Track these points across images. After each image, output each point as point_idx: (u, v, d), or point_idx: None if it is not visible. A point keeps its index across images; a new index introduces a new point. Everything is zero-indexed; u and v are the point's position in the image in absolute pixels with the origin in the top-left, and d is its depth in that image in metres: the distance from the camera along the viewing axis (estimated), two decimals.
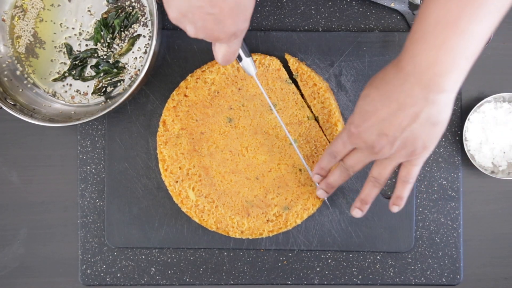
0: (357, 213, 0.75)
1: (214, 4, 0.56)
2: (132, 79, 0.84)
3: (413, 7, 0.85)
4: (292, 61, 0.83)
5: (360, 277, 0.86)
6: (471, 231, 0.87)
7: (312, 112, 0.83)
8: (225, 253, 0.86)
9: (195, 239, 0.85)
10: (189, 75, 0.83)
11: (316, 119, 0.83)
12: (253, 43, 0.85)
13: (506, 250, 0.88)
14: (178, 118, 0.82)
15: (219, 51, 0.65)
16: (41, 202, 0.88)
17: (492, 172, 0.85)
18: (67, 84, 0.85)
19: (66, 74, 0.85)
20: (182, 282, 0.86)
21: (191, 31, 0.60)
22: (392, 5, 0.85)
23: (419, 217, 0.86)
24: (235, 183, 0.82)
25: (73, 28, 0.84)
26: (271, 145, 0.82)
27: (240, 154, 0.82)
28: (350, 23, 0.86)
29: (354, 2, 0.86)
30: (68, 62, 0.85)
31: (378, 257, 0.86)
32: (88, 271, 0.86)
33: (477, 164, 0.84)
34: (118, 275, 0.86)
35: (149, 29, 0.84)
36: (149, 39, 0.84)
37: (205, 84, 0.83)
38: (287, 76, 0.83)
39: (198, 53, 0.85)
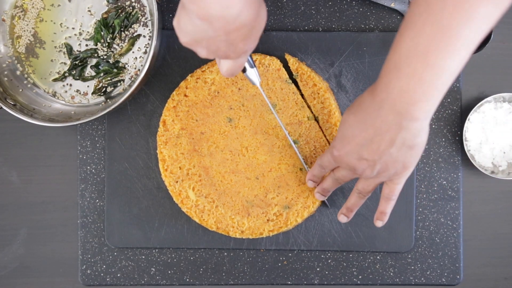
0: (343, 218, 0.79)
1: (228, 33, 0.57)
2: (132, 79, 0.84)
3: None
4: (292, 61, 0.83)
5: (360, 277, 0.86)
6: (471, 231, 0.87)
7: (312, 112, 0.83)
8: (225, 253, 0.86)
9: (195, 239, 0.85)
10: (189, 75, 0.83)
11: (316, 119, 0.83)
12: None
13: (506, 250, 0.88)
14: (178, 118, 0.82)
15: (225, 65, 0.66)
16: (41, 202, 0.88)
17: (492, 172, 0.85)
18: (67, 84, 0.85)
19: (66, 74, 0.85)
20: (182, 282, 0.86)
21: (203, 54, 0.61)
22: (392, 5, 0.85)
23: (419, 217, 0.86)
24: (235, 183, 0.82)
25: (73, 28, 0.84)
26: (271, 145, 0.82)
27: (240, 154, 0.82)
28: (350, 23, 0.86)
29: (354, 2, 0.86)
30: (68, 62, 0.85)
31: (378, 257, 0.86)
32: (88, 271, 0.86)
33: (477, 164, 0.84)
34: (118, 275, 0.86)
35: (149, 29, 0.84)
36: (149, 39, 0.84)
37: (205, 84, 0.83)
38: (287, 76, 0.83)
39: None
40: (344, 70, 0.85)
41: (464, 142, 0.84)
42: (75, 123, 0.78)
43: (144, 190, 0.85)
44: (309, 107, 0.83)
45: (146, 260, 0.86)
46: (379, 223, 0.74)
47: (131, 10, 0.84)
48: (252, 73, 0.76)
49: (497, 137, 0.83)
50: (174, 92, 0.83)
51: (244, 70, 0.76)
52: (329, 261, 0.86)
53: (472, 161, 0.84)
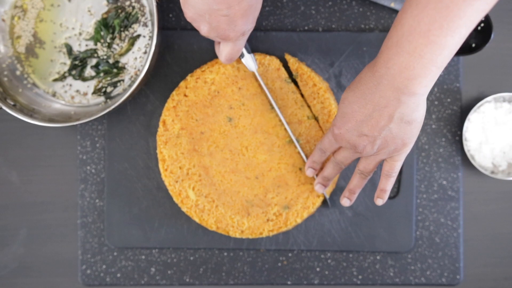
0: (345, 202, 0.79)
1: (230, 7, 0.63)
2: (132, 79, 0.84)
3: None
4: (292, 61, 0.83)
5: (360, 277, 0.86)
6: (471, 231, 0.87)
7: (312, 112, 0.83)
8: (225, 253, 0.86)
9: (195, 239, 0.85)
10: (189, 75, 0.83)
11: (316, 119, 0.83)
12: (253, 43, 0.85)
13: (506, 250, 0.88)
14: (178, 118, 0.82)
15: (224, 49, 0.72)
16: (41, 202, 0.88)
17: (492, 172, 0.85)
18: (67, 84, 0.85)
19: (66, 74, 0.85)
20: (182, 282, 0.86)
21: (205, 30, 0.68)
22: (392, 5, 0.85)
23: (419, 217, 0.86)
24: (235, 182, 0.82)
25: (73, 28, 0.84)
26: (271, 145, 0.82)
27: (240, 153, 0.82)
28: (350, 23, 0.86)
29: (354, 2, 0.86)
30: (68, 62, 0.85)
31: (378, 257, 0.86)
32: (88, 271, 0.86)
33: (477, 164, 0.84)
34: (118, 275, 0.86)
35: (149, 29, 0.84)
36: (149, 39, 0.84)
37: (205, 84, 0.83)
38: (287, 75, 0.83)
39: (198, 53, 0.85)
40: (344, 70, 0.85)
41: (464, 142, 0.84)
42: (75, 123, 0.78)
43: (144, 190, 0.85)
44: (309, 107, 0.83)
45: (146, 260, 0.86)
46: (379, 201, 0.75)
47: (131, 10, 0.84)
48: (249, 59, 0.80)
49: (497, 137, 0.83)
50: (174, 92, 0.83)
51: (241, 56, 0.80)
52: (329, 261, 0.86)
53: (472, 161, 0.84)
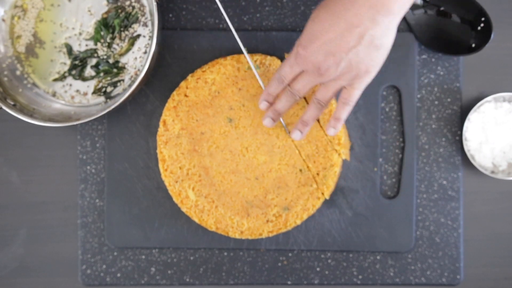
0: (297, 135, 0.77)
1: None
2: (132, 79, 0.84)
3: (413, 7, 0.85)
4: None
5: (360, 277, 0.86)
6: (471, 231, 0.87)
7: None
8: (225, 253, 0.86)
9: (195, 239, 0.85)
10: (190, 75, 0.83)
11: (317, 119, 0.83)
12: (253, 43, 0.85)
13: (506, 250, 0.88)
14: (178, 118, 0.82)
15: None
16: (41, 202, 0.88)
17: (492, 172, 0.85)
18: (67, 84, 0.85)
19: (66, 74, 0.85)
20: (182, 282, 0.86)
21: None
22: None
23: (419, 217, 0.86)
24: (235, 183, 0.82)
25: (73, 28, 0.84)
26: (271, 145, 0.82)
27: (240, 154, 0.82)
28: None
29: None
30: (68, 62, 0.85)
31: (378, 257, 0.86)
32: (88, 271, 0.86)
33: (477, 164, 0.84)
34: (118, 275, 0.86)
35: (149, 29, 0.84)
36: (149, 39, 0.84)
37: (205, 84, 0.83)
38: None
39: (198, 53, 0.85)
40: None
41: (464, 142, 0.84)
42: (75, 123, 0.78)
43: (144, 190, 0.85)
44: None
45: (146, 260, 0.86)
46: (331, 131, 0.74)
47: (131, 10, 0.84)
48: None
49: (497, 137, 0.83)
50: (174, 92, 0.83)
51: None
52: (329, 261, 0.86)
53: (472, 161, 0.84)
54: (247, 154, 0.82)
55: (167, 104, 0.83)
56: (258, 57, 0.83)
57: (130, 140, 0.86)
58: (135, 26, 0.84)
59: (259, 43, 0.85)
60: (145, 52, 0.84)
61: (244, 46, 0.81)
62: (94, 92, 0.85)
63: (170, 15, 0.87)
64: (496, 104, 0.84)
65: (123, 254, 0.86)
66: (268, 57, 0.83)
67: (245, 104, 0.82)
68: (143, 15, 0.84)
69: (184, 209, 0.82)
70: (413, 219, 0.84)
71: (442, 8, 0.84)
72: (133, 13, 0.83)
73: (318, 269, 0.86)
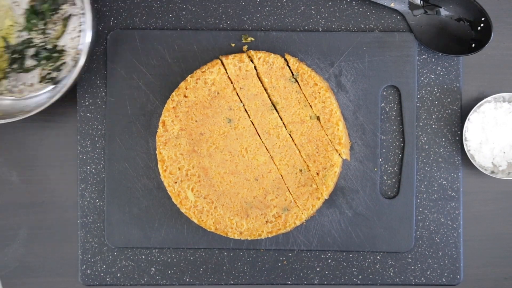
0: None
1: None
2: (74, 59, 0.84)
3: (413, 7, 0.85)
4: (292, 61, 0.83)
5: (360, 277, 0.86)
6: (471, 231, 0.87)
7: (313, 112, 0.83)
8: (225, 253, 0.86)
9: (195, 239, 0.85)
10: (189, 75, 0.83)
11: (318, 119, 0.83)
12: (253, 43, 0.85)
13: (506, 250, 0.88)
14: (177, 119, 0.82)
15: None
16: (41, 202, 0.88)
17: (492, 172, 0.85)
18: (12, 79, 0.85)
19: (8, 70, 0.84)
20: (182, 282, 0.86)
21: None
22: (392, 5, 0.85)
23: (419, 217, 0.86)
24: (234, 184, 0.82)
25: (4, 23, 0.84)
26: (271, 146, 0.82)
27: (239, 155, 0.82)
28: (350, 23, 0.86)
29: (354, 2, 0.86)
30: (6, 56, 0.84)
31: (378, 257, 0.86)
32: (88, 271, 0.86)
33: (477, 164, 0.84)
34: (118, 275, 0.86)
35: (79, 7, 0.83)
36: (81, 17, 0.83)
37: (205, 85, 0.82)
38: (291, 74, 0.82)
39: (198, 53, 0.85)
40: (344, 70, 0.84)
41: (464, 142, 0.84)
42: (27, 115, 0.78)
43: (144, 190, 0.85)
44: (310, 106, 0.83)
45: (146, 260, 0.86)
46: None
47: None
48: None
49: (497, 137, 0.83)
50: (174, 93, 0.83)
51: None
52: (329, 261, 0.86)
53: (472, 161, 0.84)
54: (246, 154, 0.82)
55: (166, 105, 0.83)
56: (262, 54, 0.82)
57: (130, 140, 0.86)
58: (64, 7, 0.83)
59: (259, 43, 0.85)
60: (81, 31, 0.83)
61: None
62: (40, 81, 0.84)
63: (170, 15, 0.87)
64: (496, 104, 0.84)
65: (123, 254, 0.86)
66: (272, 55, 0.82)
67: (244, 104, 0.82)
68: None
69: (183, 210, 0.82)
70: (413, 219, 0.84)
71: (442, 8, 0.84)
72: None
73: (318, 269, 0.86)
